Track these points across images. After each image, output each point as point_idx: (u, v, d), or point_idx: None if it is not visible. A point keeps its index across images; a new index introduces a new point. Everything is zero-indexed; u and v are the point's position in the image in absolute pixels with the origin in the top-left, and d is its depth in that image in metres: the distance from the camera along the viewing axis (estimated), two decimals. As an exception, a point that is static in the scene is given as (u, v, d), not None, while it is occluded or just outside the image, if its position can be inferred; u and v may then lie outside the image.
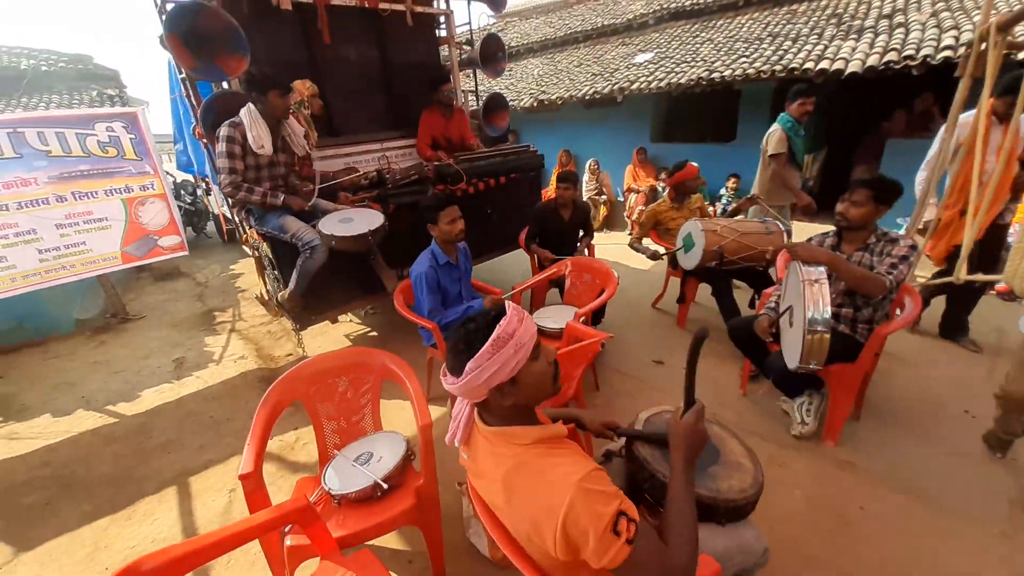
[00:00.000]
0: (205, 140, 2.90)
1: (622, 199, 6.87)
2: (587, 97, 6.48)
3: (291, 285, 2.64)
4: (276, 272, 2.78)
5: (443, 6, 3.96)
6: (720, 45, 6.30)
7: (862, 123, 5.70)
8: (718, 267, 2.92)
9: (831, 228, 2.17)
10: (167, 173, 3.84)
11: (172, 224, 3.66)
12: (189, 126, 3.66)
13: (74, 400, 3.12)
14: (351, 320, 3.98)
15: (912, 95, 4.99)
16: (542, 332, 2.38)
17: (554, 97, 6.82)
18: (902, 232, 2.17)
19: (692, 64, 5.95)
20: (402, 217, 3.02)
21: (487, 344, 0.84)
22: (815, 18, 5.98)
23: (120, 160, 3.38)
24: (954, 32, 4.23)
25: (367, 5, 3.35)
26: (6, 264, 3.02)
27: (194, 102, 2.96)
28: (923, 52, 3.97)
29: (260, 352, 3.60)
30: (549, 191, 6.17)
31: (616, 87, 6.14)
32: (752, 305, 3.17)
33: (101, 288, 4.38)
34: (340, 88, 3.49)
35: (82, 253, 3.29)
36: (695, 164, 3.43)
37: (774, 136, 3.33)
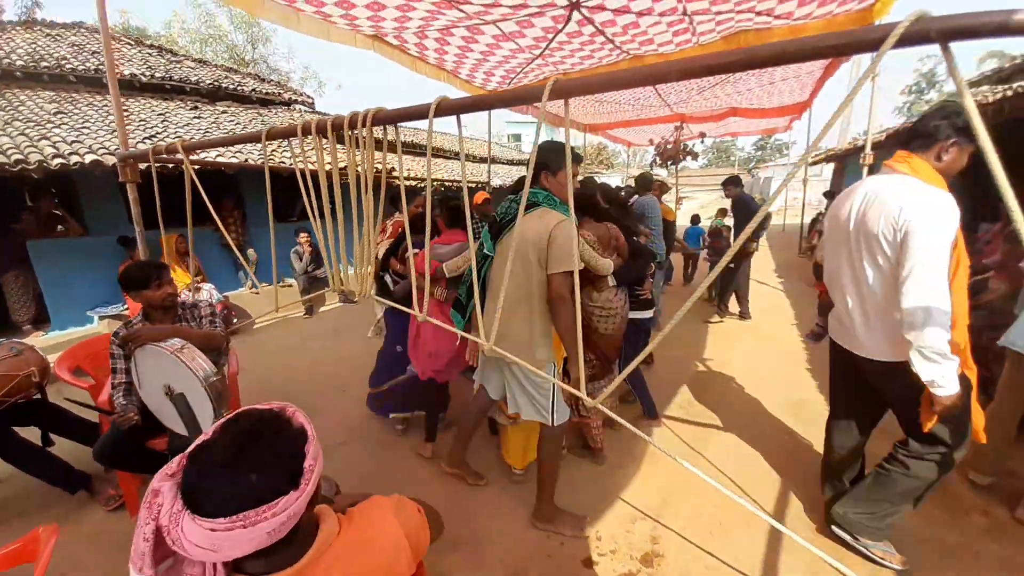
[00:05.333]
0: None
1: None
2: None
3: None
4: None
5: None
6: None
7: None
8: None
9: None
10: None
11: None
12: None
13: None
14: None
15: (32, 197, 4.85)
16: None
17: None
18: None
19: None
20: None
21: (309, 435, 0.69)
22: None
23: None
24: (48, 143, 4.44)
25: None
26: None
27: None
28: (35, 158, 4.00)
29: None
30: None
31: None
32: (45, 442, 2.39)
33: None
34: None
35: None
36: None
37: None
